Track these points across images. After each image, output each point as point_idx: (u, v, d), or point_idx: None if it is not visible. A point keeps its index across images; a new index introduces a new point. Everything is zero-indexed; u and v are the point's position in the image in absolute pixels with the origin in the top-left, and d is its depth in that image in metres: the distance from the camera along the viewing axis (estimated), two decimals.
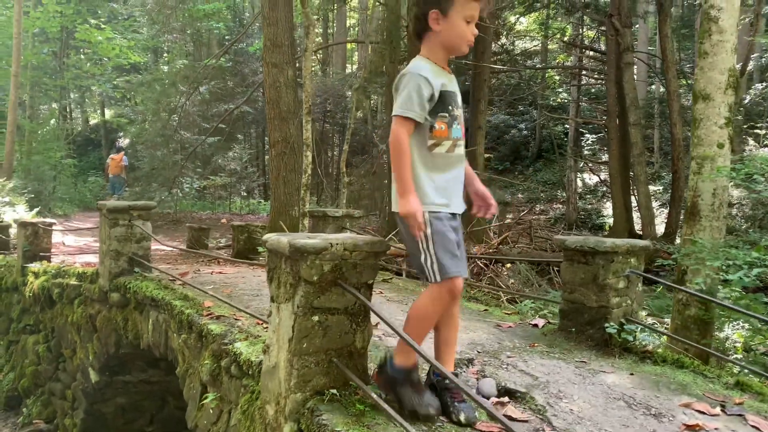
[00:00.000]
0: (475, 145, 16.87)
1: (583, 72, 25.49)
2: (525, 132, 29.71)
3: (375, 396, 2.41)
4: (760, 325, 6.17)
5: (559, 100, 31.12)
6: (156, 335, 4.48)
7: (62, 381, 6.42)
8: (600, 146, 29.12)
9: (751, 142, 20.47)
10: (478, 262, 11.57)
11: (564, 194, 26.44)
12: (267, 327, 3.53)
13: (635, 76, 19.90)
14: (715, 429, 2.58)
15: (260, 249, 8.12)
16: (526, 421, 2.57)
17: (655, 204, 21.26)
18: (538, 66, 26.91)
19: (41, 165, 18.89)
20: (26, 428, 6.39)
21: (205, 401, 3.49)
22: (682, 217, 17.51)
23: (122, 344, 5.24)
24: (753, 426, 2.66)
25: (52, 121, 26.75)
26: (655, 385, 3.06)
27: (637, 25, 25.36)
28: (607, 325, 3.48)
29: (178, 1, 19.29)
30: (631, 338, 3.44)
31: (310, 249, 2.49)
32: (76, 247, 11.75)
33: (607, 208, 25.76)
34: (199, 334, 3.63)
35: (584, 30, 26.70)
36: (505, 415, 2.58)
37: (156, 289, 4.58)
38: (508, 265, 13.34)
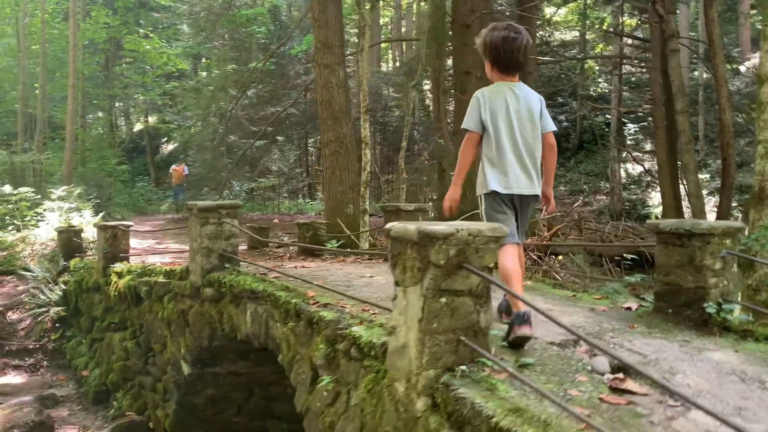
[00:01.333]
0: None
1: (624, 61, 25.18)
2: (565, 124, 29.47)
3: (510, 369, 2.57)
4: None
5: (599, 90, 30.78)
6: (255, 326, 4.72)
7: (152, 374, 6.75)
8: (643, 135, 28.72)
9: None
10: (532, 254, 11.61)
11: (607, 185, 26.16)
12: (374, 313, 3.73)
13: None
14: None
15: (328, 245, 8.33)
16: (646, 395, 2.69)
17: (702, 192, 20.89)
18: (580, 56, 26.66)
19: (99, 172, 19.57)
20: (118, 420, 6.72)
21: (319, 385, 3.69)
22: (733, 204, 17.18)
23: (216, 337, 5.50)
24: None
25: (100, 130, 27.63)
26: (763, 361, 3.14)
27: (678, 11, 24.91)
28: (705, 305, 3.57)
29: (223, 7, 19.73)
30: (730, 317, 3.52)
31: (438, 235, 2.66)
32: (141, 249, 12.18)
33: (652, 198, 25.40)
34: (309, 322, 3.83)
35: (624, 18, 26.33)
36: (624, 390, 2.72)
37: (254, 282, 4.81)
38: (560, 257, 13.33)
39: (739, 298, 7.52)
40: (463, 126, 3.62)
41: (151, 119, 32.82)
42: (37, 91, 20.95)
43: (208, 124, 20.85)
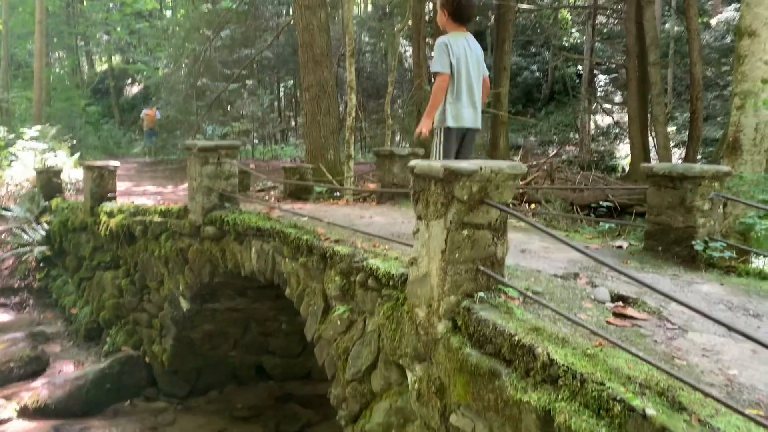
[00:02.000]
0: (500, 87, 17.00)
1: (599, 11, 25.23)
2: (537, 74, 29.56)
3: (530, 294, 2.81)
4: None
5: (572, 41, 30.83)
6: (262, 262, 4.88)
7: (148, 311, 6.89)
8: (613, 87, 29.06)
9: None
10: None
11: (577, 136, 26.56)
12: (385, 248, 3.92)
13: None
14: None
15: (317, 189, 8.44)
16: (646, 320, 2.96)
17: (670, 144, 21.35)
18: (555, 5, 26.58)
19: (68, 113, 19.11)
20: (114, 355, 6.89)
21: (332, 314, 3.90)
22: (699, 157, 17.70)
23: (217, 274, 5.66)
24: None
25: (65, 69, 26.78)
26: (746, 293, 3.45)
27: None
28: (694, 242, 3.86)
29: None
30: (716, 254, 3.82)
31: (464, 171, 2.84)
32: (118, 191, 12.12)
33: (620, 150, 25.90)
34: (323, 256, 4.01)
35: None
36: (624, 315, 2.99)
37: (260, 220, 4.95)
38: (533, 205, 13.70)
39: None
40: (435, 69, 4.33)
41: (116, 60, 31.80)
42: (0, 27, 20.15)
43: (180, 66, 20.38)
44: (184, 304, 6.19)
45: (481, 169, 2.88)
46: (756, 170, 7.70)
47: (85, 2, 25.30)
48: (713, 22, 26.35)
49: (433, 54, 4.45)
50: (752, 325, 2.95)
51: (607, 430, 2.10)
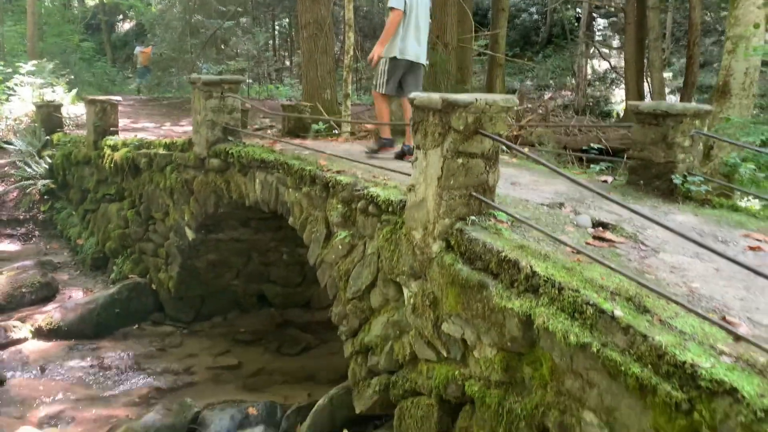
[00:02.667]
0: (497, 29, 16.90)
1: None
2: (536, 16, 29.16)
3: (518, 216, 3.09)
4: None
5: None
6: (266, 193, 5.13)
7: (154, 241, 7.17)
8: (611, 32, 28.77)
9: None
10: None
11: (573, 81, 26.47)
12: (385, 178, 4.17)
13: None
14: None
15: (315, 127, 8.60)
16: (622, 243, 3.25)
17: (665, 90, 21.35)
18: None
19: (62, 48, 18.91)
20: (121, 282, 7.21)
21: (334, 240, 4.18)
22: (693, 102, 17.78)
23: (222, 204, 5.91)
24: None
25: (56, 3, 26.26)
26: (717, 223, 3.74)
27: None
28: (673, 176, 4.12)
29: None
30: (693, 187, 4.09)
31: (460, 103, 3.06)
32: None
33: (616, 95, 25.88)
34: (325, 186, 4.26)
35: None
36: (603, 238, 3.28)
37: (264, 152, 5.17)
38: (526, 149, 13.86)
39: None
40: (391, 5, 5.18)
41: None
42: None
43: (175, 2, 20.09)
44: (190, 234, 6.46)
45: (476, 100, 3.10)
46: (743, 114, 7.91)
47: None
48: None
49: None
50: (719, 249, 3.24)
51: (579, 330, 2.41)
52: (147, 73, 20.44)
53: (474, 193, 3.23)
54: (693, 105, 4.20)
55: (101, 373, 5.87)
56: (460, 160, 3.16)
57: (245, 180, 5.45)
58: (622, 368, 2.20)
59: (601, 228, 3.49)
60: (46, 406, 5.18)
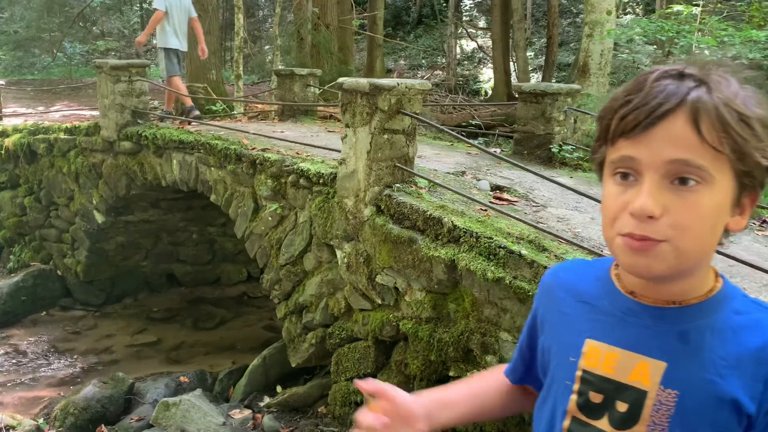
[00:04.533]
0: (375, 10, 17.52)
1: None
2: None
3: (436, 181, 3.68)
4: None
5: None
6: (184, 173, 5.38)
7: (57, 227, 7.08)
8: (478, 13, 30.36)
9: (637, 9, 22.26)
10: None
11: (444, 60, 27.76)
12: (307, 155, 4.62)
13: None
14: None
15: (213, 108, 8.76)
16: (517, 201, 3.95)
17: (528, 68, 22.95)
18: None
19: None
20: (24, 270, 7.08)
21: (264, 212, 4.58)
22: (553, 80, 19.48)
23: (134, 186, 6.04)
24: None
25: None
26: (588, 183, 4.54)
27: None
28: (551, 146, 4.90)
29: None
30: (567, 155, 4.89)
31: (385, 86, 3.58)
32: None
33: (484, 74, 27.46)
34: (252, 163, 4.63)
35: None
36: (502, 198, 3.96)
37: (181, 134, 5.41)
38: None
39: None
40: (154, 6, 6.67)
41: None
42: None
43: None
44: (99, 218, 6.51)
45: (398, 84, 3.64)
46: (601, 90, 9.04)
47: None
48: None
49: None
50: (591, 204, 4.02)
51: (495, 267, 3.04)
52: None
53: (398, 164, 3.78)
54: (566, 85, 5.00)
55: (18, 359, 5.87)
56: (385, 136, 3.69)
57: (161, 161, 5.64)
58: (530, 293, 2.85)
59: (498, 190, 4.17)
60: None
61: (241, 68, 10.30)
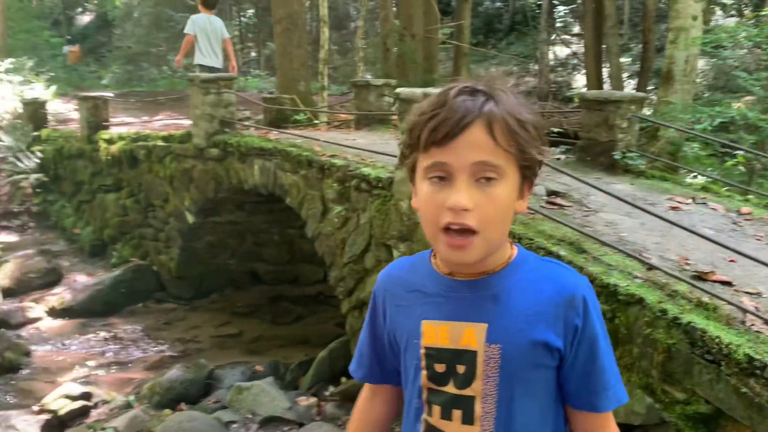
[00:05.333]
0: (462, 19, 17.68)
1: None
2: (498, 4, 29.97)
3: None
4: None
5: None
6: (264, 177, 5.81)
7: (153, 226, 7.77)
8: (572, 18, 29.78)
9: (719, 11, 21.43)
10: None
11: (536, 67, 27.42)
12: (372, 161, 4.89)
13: None
14: (688, 209, 4.10)
15: (297, 117, 9.24)
16: (571, 206, 4.04)
17: (624, 75, 22.31)
18: None
19: (35, 45, 19.08)
20: (125, 265, 7.80)
21: (330, 214, 4.90)
22: (650, 87, 18.88)
23: (221, 190, 6.56)
24: (712, 209, 4.19)
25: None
26: (648, 190, 4.56)
27: None
28: (614, 153, 4.93)
29: None
30: (631, 162, 4.90)
31: None
32: None
33: (577, 81, 26.87)
34: (321, 168, 4.97)
35: None
36: (556, 203, 4.06)
37: (262, 141, 5.85)
38: None
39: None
40: (185, 31, 7.72)
41: None
42: None
43: None
44: (190, 218, 7.09)
45: None
46: (685, 98, 8.79)
47: None
48: None
49: None
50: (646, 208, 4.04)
51: None
52: (75, 72, 20.82)
53: None
54: (629, 93, 5.03)
55: (115, 345, 6.50)
56: None
57: (244, 167, 6.11)
58: None
59: (553, 195, 4.27)
60: (71, 372, 5.80)
61: (325, 80, 10.79)
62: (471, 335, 1.11)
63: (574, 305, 1.11)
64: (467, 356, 1.11)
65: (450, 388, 1.14)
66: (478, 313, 1.11)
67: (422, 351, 1.15)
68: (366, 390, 1.37)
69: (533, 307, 1.10)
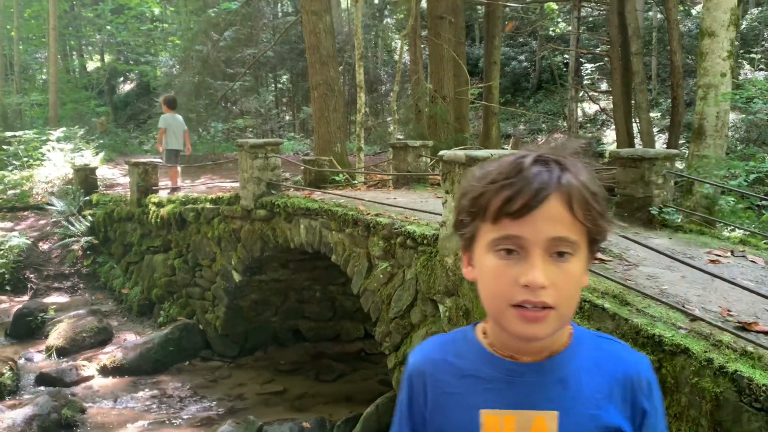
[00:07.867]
0: (491, 80, 18.17)
1: (583, 2, 26.38)
2: (525, 63, 30.58)
3: None
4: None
5: (558, 30, 31.93)
6: (310, 236, 6.05)
7: (200, 285, 8.06)
8: (600, 75, 30.21)
9: (747, 66, 21.63)
10: None
11: (565, 124, 27.71)
12: (415, 219, 5.10)
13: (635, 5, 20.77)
14: (728, 261, 4.19)
15: (336, 178, 9.58)
16: (611, 260, 4.17)
17: (653, 130, 22.42)
18: None
19: (83, 114, 20.12)
20: (171, 324, 8.05)
21: (375, 271, 5.09)
22: (680, 141, 18.95)
23: (267, 249, 6.82)
24: (752, 261, 4.28)
25: (73, 71, 27.66)
26: (687, 244, 4.66)
27: None
28: (651, 208, 5.06)
29: None
30: (668, 217, 5.02)
31: (480, 157, 4.02)
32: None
33: (607, 136, 27.04)
34: (366, 226, 5.19)
35: None
36: (597, 258, 4.19)
37: (307, 202, 6.12)
38: None
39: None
40: (159, 125, 9.80)
41: (107, 58, 32.56)
42: (12, 33, 21.08)
43: (188, 66, 21.44)
44: (236, 277, 7.35)
45: (492, 155, 4.06)
46: (717, 152, 8.90)
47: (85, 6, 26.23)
48: (694, 11, 27.52)
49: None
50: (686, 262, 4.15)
51: (579, 320, 3.30)
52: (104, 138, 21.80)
53: None
54: (663, 150, 5.19)
55: (165, 402, 6.67)
56: None
57: (290, 226, 6.37)
58: None
59: None
60: (126, 430, 5.98)
61: (362, 141, 11.17)
62: (542, 425, 1.01)
63: (641, 387, 1.05)
64: None
65: None
66: (546, 399, 1.02)
67: None
68: None
69: (603, 390, 1.03)
